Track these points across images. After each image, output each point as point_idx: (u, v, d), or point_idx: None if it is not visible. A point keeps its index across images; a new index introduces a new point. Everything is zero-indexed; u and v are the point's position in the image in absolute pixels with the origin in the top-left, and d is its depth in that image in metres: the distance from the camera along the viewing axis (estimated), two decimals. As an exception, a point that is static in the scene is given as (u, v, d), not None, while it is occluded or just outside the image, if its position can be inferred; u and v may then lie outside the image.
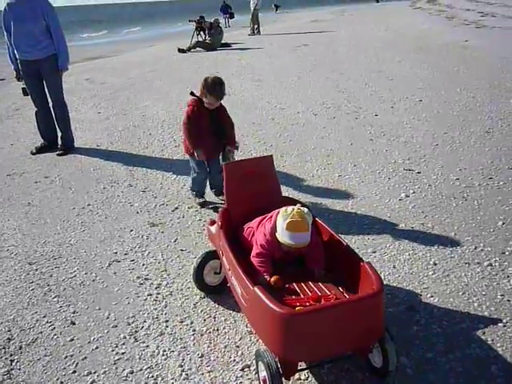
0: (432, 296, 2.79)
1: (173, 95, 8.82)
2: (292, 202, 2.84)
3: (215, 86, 3.72)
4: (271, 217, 2.54)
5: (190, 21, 17.34)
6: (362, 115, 6.62)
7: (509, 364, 2.28)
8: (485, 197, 3.99)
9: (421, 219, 3.69)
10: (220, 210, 2.91)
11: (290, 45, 15.41)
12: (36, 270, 3.39)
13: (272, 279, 2.37)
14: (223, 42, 16.62)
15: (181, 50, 15.70)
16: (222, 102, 3.89)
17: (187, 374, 2.35)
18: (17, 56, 5.66)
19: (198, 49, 15.92)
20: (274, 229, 2.46)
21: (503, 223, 3.55)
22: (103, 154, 5.72)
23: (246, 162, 3.13)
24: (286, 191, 4.32)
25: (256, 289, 2.07)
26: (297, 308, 2.07)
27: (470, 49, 11.98)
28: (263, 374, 2.09)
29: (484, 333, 2.48)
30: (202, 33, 16.51)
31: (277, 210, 2.50)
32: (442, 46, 12.82)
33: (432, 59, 10.83)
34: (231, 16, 27.97)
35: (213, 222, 2.82)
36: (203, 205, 4.13)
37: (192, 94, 3.93)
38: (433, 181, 4.37)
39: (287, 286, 2.35)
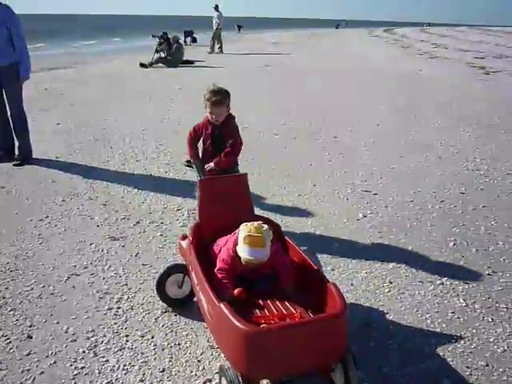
0: (388, 313, 2.90)
1: (133, 109, 8.79)
2: (263, 220, 2.83)
3: (210, 92, 3.50)
4: (235, 233, 2.58)
5: (153, 36, 17.35)
6: (321, 137, 6.81)
7: (460, 377, 2.39)
8: (437, 218, 4.19)
9: (377, 239, 3.83)
10: (192, 225, 2.91)
11: (252, 65, 15.67)
12: (-10, 281, 3.30)
13: (235, 291, 2.41)
14: (185, 59, 16.71)
15: (142, 65, 15.65)
16: (232, 118, 3.64)
17: (156, 386, 2.35)
18: (-24, 63, 5.53)
19: (159, 64, 15.93)
20: (235, 243, 2.50)
21: (454, 244, 3.74)
22: (62, 166, 5.63)
23: (221, 178, 3.13)
24: (248, 208, 4.38)
25: (222, 305, 2.09)
26: (261, 325, 2.11)
27: (423, 78, 12.54)
28: None
29: (436, 348, 2.60)
30: (164, 49, 16.54)
31: (240, 226, 2.53)
32: (398, 73, 13.38)
33: (388, 85, 11.29)
34: (194, 40, 28.24)
35: (184, 237, 2.85)
36: None
37: None
38: (389, 202, 4.54)
39: (255, 302, 2.38)
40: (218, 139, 3.57)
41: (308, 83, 11.71)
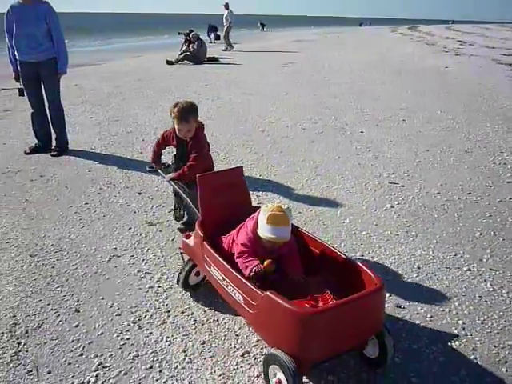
0: (417, 295, 3.01)
1: (163, 104, 8.98)
2: None
3: (176, 109, 3.46)
4: (253, 217, 2.63)
5: (179, 33, 17.59)
6: (348, 131, 6.90)
7: (486, 355, 2.50)
8: (464, 210, 4.26)
9: (405, 228, 3.93)
10: (196, 222, 2.87)
11: (277, 62, 15.77)
12: (37, 261, 3.51)
13: (265, 264, 2.48)
14: (210, 56, 16.90)
15: (169, 62, 15.89)
16: (200, 129, 3.63)
17: (190, 359, 2.51)
18: (17, 57, 5.78)
19: (185, 61, 16.15)
20: (255, 226, 2.55)
21: (480, 234, 3.82)
22: (97, 157, 5.86)
23: (219, 173, 3.15)
24: (277, 199, 4.53)
25: (268, 293, 2.13)
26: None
27: (450, 74, 12.49)
28: (277, 377, 2.13)
29: (464, 328, 2.71)
30: (190, 46, 16.76)
31: (258, 210, 2.60)
32: (424, 70, 13.33)
33: (414, 82, 11.29)
34: (217, 37, 28.34)
35: (188, 236, 2.92)
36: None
37: None
38: (415, 194, 4.63)
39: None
40: (182, 152, 3.64)
41: (332, 79, 11.78)
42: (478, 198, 4.51)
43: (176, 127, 3.51)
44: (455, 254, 3.50)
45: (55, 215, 4.26)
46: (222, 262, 2.51)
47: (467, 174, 5.14)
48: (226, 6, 22.01)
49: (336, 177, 5.10)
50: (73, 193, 4.77)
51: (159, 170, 3.75)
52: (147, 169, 3.92)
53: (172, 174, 3.57)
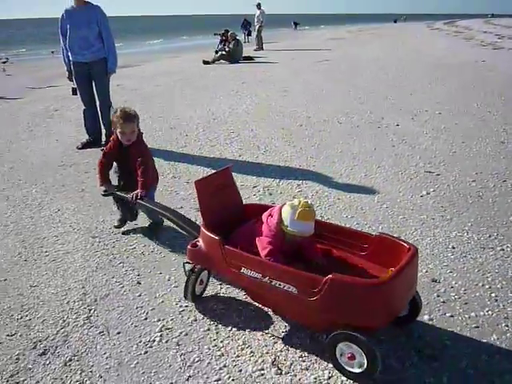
0: (451, 272, 3.21)
1: (203, 102, 9.34)
2: (259, 208, 3.04)
3: (120, 111, 3.55)
4: (270, 215, 2.72)
5: (215, 34, 18.01)
6: (384, 124, 7.07)
7: (517, 323, 2.69)
8: (499, 196, 4.41)
9: (440, 212, 4.12)
10: (201, 229, 2.83)
11: (312, 60, 15.97)
12: (99, 242, 3.86)
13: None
14: (246, 55, 17.23)
15: (205, 62, 16.31)
16: (140, 135, 3.72)
17: (244, 322, 2.79)
18: (70, 58, 6.21)
19: (221, 61, 16.52)
20: (279, 223, 2.63)
21: (515, 217, 3.97)
22: (145, 151, 6.21)
23: (212, 176, 3.08)
24: (317, 187, 4.77)
25: (331, 276, 2.24)
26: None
27: (487, 68, 12.43)
28: (348, 353, 2.28)
29: (496, 300, 2.90)
30: (225, 45, 17.13)
31: (276, 207, 2.71)
32: (460, 64, 13.30)
33: (450, 76, 11.31)
34: (249, 33, 28.65)
35: (194, 244, 2.83)
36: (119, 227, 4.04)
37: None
38: (451, 182, 4.79)
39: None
40: (125, 159, 3.66)
41: (366, 76, 11.91)
42: (513, 185, 4.65)
43: (119, 131, 3.54)
44: (489, 236, 3.67)
45: (110, 202, 4.58)
46: (262, 259, 2.59)
47: (503, 164, 5.25)
48: (258, 6, 22.31)
49: (373, 167, 5.30)
50: None
51: (117, 192, 3.72)
52: (101, 194, 3.85)
53: (135, 193, 3.51)
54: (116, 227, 4.04)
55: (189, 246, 2.87)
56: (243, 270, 2.56)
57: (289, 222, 2.58)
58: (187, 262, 2.96)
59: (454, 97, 8.87)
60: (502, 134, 6.35)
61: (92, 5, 6.09)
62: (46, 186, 5.18)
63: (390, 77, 11.60)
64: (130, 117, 3.55)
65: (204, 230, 2.78)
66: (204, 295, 3.06)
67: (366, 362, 2.24)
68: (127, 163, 3.69)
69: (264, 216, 2.79)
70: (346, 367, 2.33)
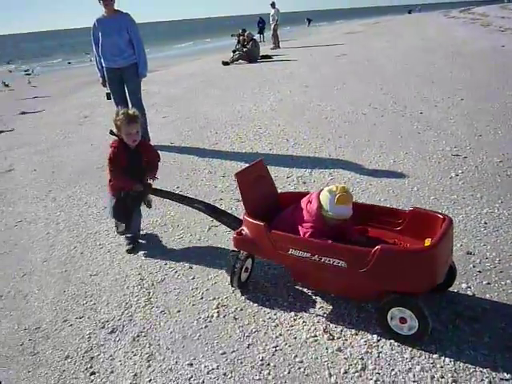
0: (485, 245, 3.38)
1: (228, 101, 9.60)
2: (292, 195, 3.28)
3: (122, 113, 3.59)
4: (309, 201, 2.89)
5: (232, 35, 18.27)
6: (407, 113, 7.22)
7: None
8: (526, 174, 4.56)
9: (470, 191, 4.28)
10: (245, 217, 3.03)
11: (329, 55, 16.11)
12: (145, 234, 4.13)
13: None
14: (264, 54, 17.45)
15: (225, 63, 16.58)
16: (146, 139, 3.81)
17: (294, 298, 3.02)
18: (103, 64, 6.51)
19: (240, 61, 16.76)
20: (319, 208, 2.80)
21: (544, 193, 4.12)
22: (178, 150, 6.50)
23: (250, 168, 3.23)
24: (349, 175, 4.97)
25: (379, 247, 2.43)
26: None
27: (507, 53, 12.43)
28: (398, 318, 2.48)
29: (530, 268, 3.07)
30: (243, 45, 17.35)
31: (314, 194, 2.89)
32: (479, 51, 13.31)
33: (470, 63, 11.36)
34: (261, 31, 28.70)
35: (239, 233, 3.02)
36: (123, 233, 3.95)
37: (111, 132, 3.67)
38: (478, 163, 4.94)
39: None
40: (137, 161, 3.69)
41: (386, 67, 12.02)
42: (541, 164, 4.78)
43: (124, 132, 3.57)
44: (520, 211, 3.84)
45: (152, 198, 4.87)
46: (311, 239, 2.74)
47: (529, 144, 5.38)
48: (273, 5, 22.48)
49: (400, 153, 5.47)
50: (163, 180, 5.30)
51: (140, 192, 3.77)
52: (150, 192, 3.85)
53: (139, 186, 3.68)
54: (129, 252, 3.90)
55: (234, 235, 3.07)
56: (291, 251, 2.74)
57: (329, 207, 2.76)
58: (233, 251, 3.17)
59: (475, 83, 8.96)
60: (526, 116, 6.45)
61: (122, 13, 6.39)
62: (89, 187, 5.48)
63: (410, 67, 11.70)
64: (133, 118, 3.60)
65: (248, 218, 2.99)
66: (253, 275, 3.28)
67: (417, 325, 2.44)
68: (138, 164, 3.73)
69: (303, 202, 2.98)
70: (397, 330, 2.53)
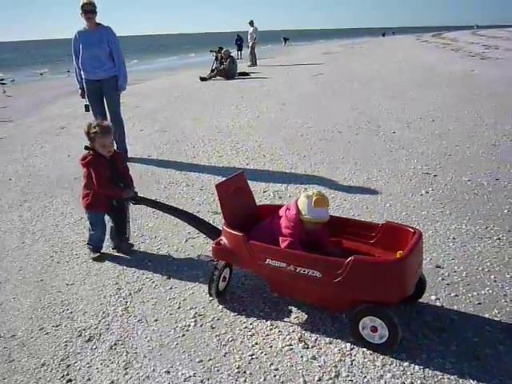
0: (453, 259, 3.53)
1: (205, 116, 9.70)
2: (270, 208, 3.37)
3: (96, 125, 3.67)
4: (287, 209, 3.00)
5: (211, 51, 18.47)
6: (381, 132, 7.44)
7: (514, 300, 3.01)
8: (493, 192, 4.76)
9: (440, 208, 4.45)
10: (224, 228, 3.10)
11: (306, 74, 16.42)
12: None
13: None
14: (241, 71, 17.66)
15: (202, 79, 16.71)
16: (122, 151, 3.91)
17: (269, 308, 3.09)
18: (83, 76, 6.54)
19: (217, 77, 16.92)
20: (297, 214, 2.90)
21: (508, 210, 4.32)
22: (155, 162, 6.54)
23: (230, 180, 3.32)
24: (324, 190, 5.07)
25: (352, 257, 2.52)
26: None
27: (476, 77, 12.90)
28: (370, 326, 2.56)
29: (495, 281, 3.21)
30: (221, 62, 17.54)
31: (292, 201, 3.01)
32: (450, 74, 13.78)
33: (441, 85, 11.76)
34: (239, 48, 29.09)
35: (218, 243, 3.09)
36: (99, 259, 3.94)
37: (86, 147, 3.75)
38: (448, 181, 5.14)
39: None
40: (115, 170, 3.76)
41: (361, 87, 12.33)
42: (506, 183, 4.99)
43: (99, 143, 3.65)
44: (486, 227, 4.00)
45: (131, 208, 4.90)
46: (287, 250, 2.84)
47: (495, 164, 5.61)
48: (251, 23, 22.83)
49: (374, 170, 5.63)
50: (141, 191, 5.25)
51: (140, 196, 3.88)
52: (132, 203, 3.92)
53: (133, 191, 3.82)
54: (95, 259, 3.94)
55: (213, 245, 3.14)
56: (268, 261, 2.82)
57: (306, 211, 2.88)
58: (211, 260, 3.23)
59: (446, 104, 9.28)
60: (493, 138, 6.73)
61: (103, 26, 6.45)
62: (66, 198, 5.47)
63: (384, 88, 12.03)
64: (107, 129, 3.69)
65: (227, 228, 3.07)
66: (230, 285, 3.34)
67: (387, 333, 2.54)
68: (117, 173, 3.80)
69: (281, 211, 3.09)
70: (369, 339, 2.62)
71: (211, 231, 3.54)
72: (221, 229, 3.21)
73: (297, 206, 2.95)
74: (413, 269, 2.63)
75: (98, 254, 3.99)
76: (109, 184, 3.72)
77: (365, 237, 3.06)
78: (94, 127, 3.65)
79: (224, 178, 3.40)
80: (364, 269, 2.55)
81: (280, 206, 3.21)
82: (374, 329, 2.58)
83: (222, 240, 3.11)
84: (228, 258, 3.13)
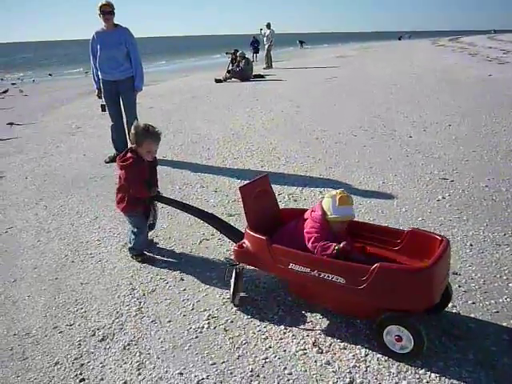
0: (470, 266, 3.48)
1: (220, 118, 9.71)
2: (293, 212, 3.36)
3: (148, 129, 3.62)
4: (312, 211, 3.00)
5: (226, 53, 18.51)
6: (397, 136, 7.38)
7: (533, 309, 2.95)
8: (511, 199, 4.68)
9: (457, 214, 4.39)
10: (247, 231, 3.09)
11: (321, 77, 16.37)
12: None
13: (341, 245, 2.84)
14: (256, 73, 17.67)
15: (217, 81, 16.75)
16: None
17: (283, 310, 3.07)
18: (100, 76, 6.59)
19: (233, 79, 16.95)
20: (323, 215, 2.92)
21: (527, 218, 4.24)
22: (171, 163, 6.55)
23: (255, 182, 3.28)
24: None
25: (378, 265, 2.49)
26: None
27: (494, 82, 12.76)
28: (395, 335, 2.52)
29: (514, 289, 3.16)
30: (237, 64, 17.56)
31: (317, 204, 3.01)
32: (467, 78, 13.64)
33: (458, 90, 11.64)
34: (256, 51, 29.07)
35: (240, 246, 3.10)
36: (147, 260, 3.89)
37: (130, 150, 3.72)
38: (465, 187, 5.07)
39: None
40: (151, 173, 3.82)
41: (376, 91, 12.26)
42: (524, 190, 4.92)
43: (147, 148, 3.61)
44: (504, 234, 3.94)
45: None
46: (311, 255, 2.82)
47: (513, 171, 5.54)
48: (268, 26, 22.85)
49: (389, 175, 5.59)
50: None
51: (160, 200, 3.89)
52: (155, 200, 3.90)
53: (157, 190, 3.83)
54: (143, 261, 3.91)
55: (235, 247, 3.13)
56: (291, 265, 2.80)
57: (332, 210, 2.88)
58: (233, 265, 3.20)
59: (462, 110, 9.18)
60: (511, 143, 6.63)
61: (121, 27, 6.49)
62: (81, 197, 5.50)
63: (400, 92, 11.95)
64: (159, 136, 3.66)
65: (250, 231, 3.05)
66: (243, 289, 3.32)
67: (411, 346, 2.49)
68: (153, 177, 3.88)
69: (306, 214, 3.08)
70: (390, 346, 2.57)
71: (233, 233, 3.51)
72: (243, 231, 3.19)
73: (322, 207, 2.95)
74: (440, 277, 2.58)
75: (143, 256, 3.91)
76: (142, 185, 3.68)
77: (390, 243, 3.01)
78: (147, 130, 3.59)
79: (238, 181, 3.40)
80: (390, 276, 2.51)
81: (304, 210, 3.19)
82: (399, 338, 2.53)
83: (244, 243, 3.10)
84: (250, 262, 3.12)
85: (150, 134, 3.59)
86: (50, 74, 29.09)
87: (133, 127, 3.68)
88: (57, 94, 16.85)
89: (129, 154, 3.68)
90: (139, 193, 3.71)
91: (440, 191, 4.99)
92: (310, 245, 2.92)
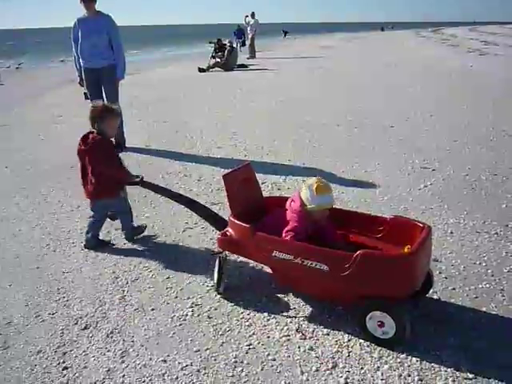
0: (451, 253, 3.53)
1: (204, 107, 9.66)
2: (277, 200, 3.36)
3: (107, 106, 3.68)
4: (292, 201, 2.98)
5: (209, 42, 18.38)
6: (380, 126, 7.43)
7: (509, 297, 3.00)
8: (491, 188, 4.76)
9: (438, 202, 4.45)
10: (230, 219, 3.08)
11: (305, 67, 16.38)
12: (122, 234, 4.13)
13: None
14: (240, 63, 17.59)
15: (201, 70, 16.64)
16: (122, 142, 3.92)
17: (267, 299, 3.08)
18: (81, 64, 6.49)
19: (216, 68, 16.85)
20: (302, 206, 2.89)
21: (506, 206, 4.32)
22: (154, 153, 6.52)
23: (237, 170, 3.28)
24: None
25: (361, 252, 2.50)
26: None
27: (474, 73, 12.89)
28: (377, 321, 2.54)
29: (492, 275, 3.22)
30: (219, 53, 17.45)
31: (294, 193, 3.00)
32: (449, 70, 13.76)
33: (440, 81, 11.74)
34: (243, 43, 28.85)
35: (224, 234, 3.08)
36: (95, 247, 3.90)
37: (90, 132, 3.68)
38: (446, 176, 5.14)
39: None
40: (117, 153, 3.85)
41: (360, 81, 12.31)
42: (504, 178, 5.00)
43: (110, 125, 3.63)
44: (483, 222, 4.01)
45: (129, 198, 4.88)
46: (294, 242, 2.82)
47: (493, 159, 5.62)
48: (253, 15, 22.73)
49: (372, 164, 5.63)
50: None
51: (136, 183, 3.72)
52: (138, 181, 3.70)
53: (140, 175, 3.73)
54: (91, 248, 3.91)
55: (219, 235, 3.12)
56: (275, 253, 2.79)
57: (310, 200, 2.86)
58: (216, 253, 3.21)
59: (444, 100, 9.28)
60: (491, 133, 6.73)
61: (103, 14, 6.39)
62: (63, 186, 5.44)
63: (383, 82, 12.02)
64: (117, 110, 3.74)
65: (233, 219, 3.04)
66: (227, 276, 3.32)
67: (393, 331, 2.52)
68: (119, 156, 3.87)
69: (287, 204, 3.07)
70: (372, 332, 2.60)
71: (217, 221, 3.51)
72: (227, 219, 3.19)
73: (300, 197, 2.94)
74: (422, 264, 2.61)
75: (95, 241, 3.95)
76: (120, 165, 3.68)
77: (372, 231, 3.03)
78: (105, 108, 3.64)
79: (222, 170, 3.40)
80: (372, 263, 2.53)
81: (287, 199, 3.18)
82: (381, 324, 2.55)
83: (228, 231, 3.09)
84: (234, 250, 3.12)
85: (111, 109, 3.65)
86: (61, 60, 27.91)
87: (92, 109, 3.67)
88: (42, 82, 16.57)
89: (92, 135, 3.63)
90: (117, 172, 3.67)
91: (422, 180, 5.05)
92: (283, 233, 2.91)
